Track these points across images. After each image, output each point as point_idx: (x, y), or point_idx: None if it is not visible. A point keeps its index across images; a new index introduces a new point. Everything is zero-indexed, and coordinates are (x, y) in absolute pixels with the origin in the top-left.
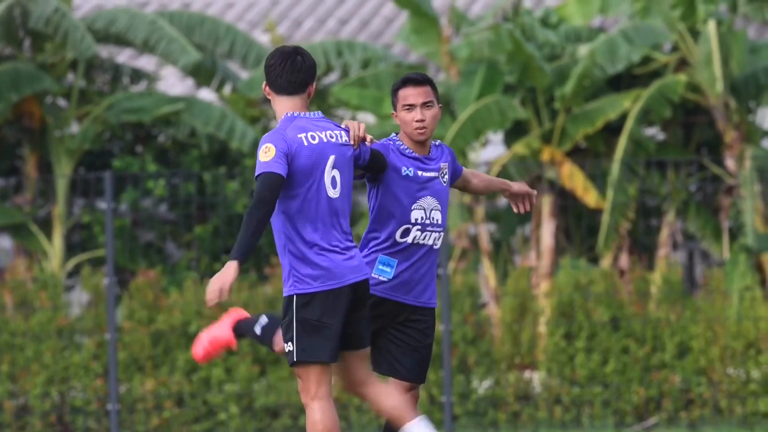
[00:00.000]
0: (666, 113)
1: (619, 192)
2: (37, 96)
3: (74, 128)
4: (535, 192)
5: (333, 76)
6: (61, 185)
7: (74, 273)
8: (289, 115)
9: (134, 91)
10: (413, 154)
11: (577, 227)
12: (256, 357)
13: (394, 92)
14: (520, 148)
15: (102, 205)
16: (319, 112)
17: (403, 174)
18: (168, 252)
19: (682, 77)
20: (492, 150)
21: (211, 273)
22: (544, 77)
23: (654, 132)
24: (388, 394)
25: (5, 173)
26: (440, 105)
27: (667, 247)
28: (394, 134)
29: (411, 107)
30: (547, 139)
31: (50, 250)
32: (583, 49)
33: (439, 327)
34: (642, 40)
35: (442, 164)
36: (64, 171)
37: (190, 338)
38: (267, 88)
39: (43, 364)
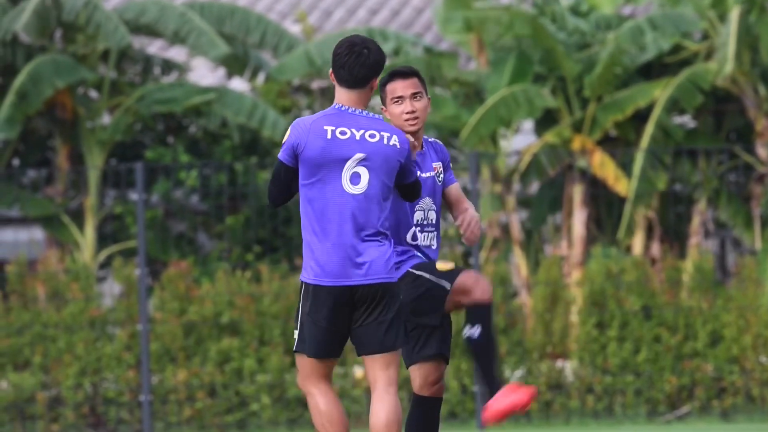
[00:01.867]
0: (695, 102)
1: (643, 181)
2: (69, 88)
3: (106, 119)
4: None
5: None
6: (93, 176)
7: (106, 264)
8: (336, 107)
9: (165, 82)
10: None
11: (609, 216)
12: (287, 348)
13: (382, 87)
14: (551, 137)
15: (133, 196)
16: (373, 113)
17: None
18: (200, 243)
19: (713, 65)
20: (523, 139)
21: (243, 264)
22: (572, 65)
23: (685, 120)
24: (374, 413)
25: (37, 165)
26: (429, 97)
27: (699, 235)
28: None
29: (400, 99)
30: (577, 128)
31: (82, 242)
32: (612, 36)
33: None
34: (669, 27)
35: (434, 164)
36: (95, 162)
37: (221, 329)
38: (331, 74)
39: (76, 356)
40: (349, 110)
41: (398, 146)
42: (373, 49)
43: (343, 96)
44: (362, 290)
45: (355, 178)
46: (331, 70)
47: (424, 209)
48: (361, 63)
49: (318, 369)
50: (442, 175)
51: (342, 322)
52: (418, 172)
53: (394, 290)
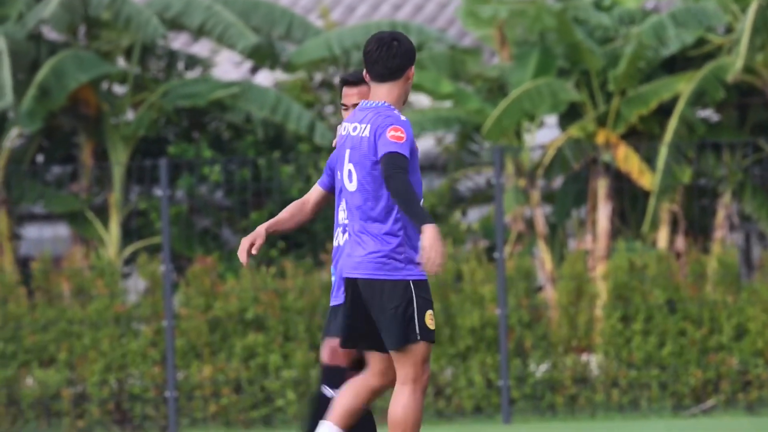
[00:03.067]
0: (719, 95)
1: (667, 174)
2: (93, 84)
3: (130, 115)
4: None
5: None
6: (117, 172)
7: (131, 260)
8: (360, 103)
9: (189, 77)
10: None
11: (633, 210)
12: (312, 343)
13: (340, 88)
14: (575, 131)
15: (158, 191)
16: (382, 102)
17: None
18: (224, 238)
19: (735, 59)
20: (547, 133)
21: (268, 259)
22: (595, 60)
23: (708, 114)
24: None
25: (61, 161)
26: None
27: (724, 229)
28: None
29: (345, 107)
30: (602, 121)
31: (107, 238)
32: (636, 31)
33: (495, 311)
34: (692, 22)
35: None
36: (119, 158)
37: (247, 325)
38: (365, 75)
39: (101, 352)
40: (368, 104)
41: (368, 135)
42: (402, 39)
43: (378, 92)
44: (358, 286)
45: (350, 176)
46: (365, 71)
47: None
48: (393, 54)
49: (369, 357)
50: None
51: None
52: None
53: (399, 286)
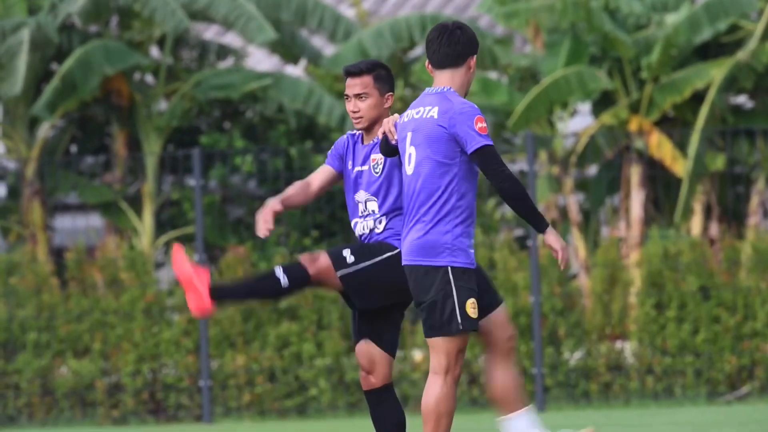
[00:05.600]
0: (750, 83)
1: (698, 161)
2: (125, 74)
3: (162, 105)
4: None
5: (419, 50)
6: (150, 163)
7: (165, 250)
8: (425, 90)
9: (221, 67)
10: (360, 146)
11: (666, 197)
12: (345, 332)
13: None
14: (607, 118)
15: (191, 181)
16: (447, 87)
17: (348, 168)
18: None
19: None
20: (580, 120)
21: (301, 248)
22: (626, 47)
23: (743, 100)
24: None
25: (95, 151)
26: (390, 93)
27: (758, 215)
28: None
29: (347, 98)
30: (634, 109)
31: (140, 228)
32: (669, 19)
33: (529, 299)
34: (725, 12)
35: (374, 155)
36: (152, 148)
37: (281, 314)
38: (427, 65)
39: (134, 342)
40: (429, 90)
41: (435, 116)
42: (464, 28)
43: (440, 78)
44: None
45: (409, 159)
46: (426, 62)
47: (360, 201)
48: (454, 41)
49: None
50: (379, 166)
51: None
52: (353, 167)
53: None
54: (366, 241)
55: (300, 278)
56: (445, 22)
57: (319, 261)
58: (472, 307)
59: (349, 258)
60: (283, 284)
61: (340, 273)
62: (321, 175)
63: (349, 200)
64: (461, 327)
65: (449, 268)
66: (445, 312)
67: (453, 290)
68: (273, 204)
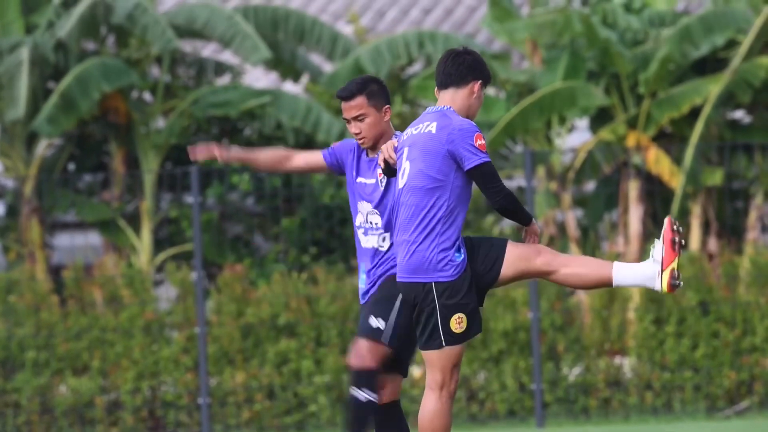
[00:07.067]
0: (747, 97)
1: (692, 176)
2: (123, 92)
3: (160, 123)
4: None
5: (417, 67)
6: (148, 180)
7: (163, 268)
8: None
9: (219, 84)
10: (365, 157)
11: (664, 212)
12: (344, 348)
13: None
14: (605, 134)
15: (189, 199)
16: (447, 107)
17: (351, 175)
18: (256, 245)
19: (765, 60)
20: (578, 136)
21: (300, 265)
22: (624, 63)
23: (740, 115)
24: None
25: (93, 169)
26: (387, 106)
27: (756, 230)
28: None
29: (347, 121)
30: (632, 124)
31: (139, 246)
32: (666, 34)
33: (528, 314)
34: (722, 26)
35: (379, 170)
36: (150, 166)
37: (279, 331)
38: (436, 92)
39: (133, 360)
40: (431, 109)
41: (433, 132)
42: (473, 53)
43: (442, 98)
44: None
45: (402, 173)
46: (436, 89)
47: (362, 212)
48: (457, 63)
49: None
50: (384, 182)
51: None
52: (359, 179)
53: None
54: (373, 259)
55: (370, 376)
56: (457, 47)
57: (359, 347)
58: (457, 323)
59: (375, 323)
60: (368, 400)
61: (382, 340)
62: (309, 158)
63: (353, 204)
64: (444, 343)
65: (433, 284)
66: (428, 328)
67: (436, 307)
68: (231, 152)
